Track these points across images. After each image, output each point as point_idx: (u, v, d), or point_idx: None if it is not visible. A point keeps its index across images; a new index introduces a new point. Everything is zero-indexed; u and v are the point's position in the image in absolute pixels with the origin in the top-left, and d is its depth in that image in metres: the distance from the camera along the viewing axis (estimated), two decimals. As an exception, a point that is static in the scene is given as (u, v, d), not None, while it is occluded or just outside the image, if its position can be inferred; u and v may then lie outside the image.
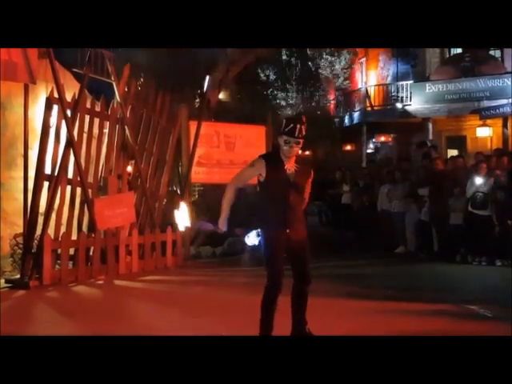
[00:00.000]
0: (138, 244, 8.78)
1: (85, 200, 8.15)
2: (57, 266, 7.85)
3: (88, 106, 8.31)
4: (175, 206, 9.78)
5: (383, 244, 10.98)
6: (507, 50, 17.49)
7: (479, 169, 9.63)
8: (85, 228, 8.33)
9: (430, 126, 18.48)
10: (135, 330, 5.09)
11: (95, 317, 5.91)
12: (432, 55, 19.37)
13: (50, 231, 7.69)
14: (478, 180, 9.44)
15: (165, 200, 9.99)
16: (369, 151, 20.99)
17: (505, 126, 17.18)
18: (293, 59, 20.44)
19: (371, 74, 21.81)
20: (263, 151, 10.13)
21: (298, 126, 4.24)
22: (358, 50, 21.71)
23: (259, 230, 4.43)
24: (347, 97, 21.53)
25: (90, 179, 8.32)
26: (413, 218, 10.55)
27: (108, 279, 8.11)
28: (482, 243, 9.35)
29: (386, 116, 19.30)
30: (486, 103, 16.95)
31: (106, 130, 8.60)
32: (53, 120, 7.83)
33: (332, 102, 21.91)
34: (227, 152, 10.73)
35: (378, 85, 20.62)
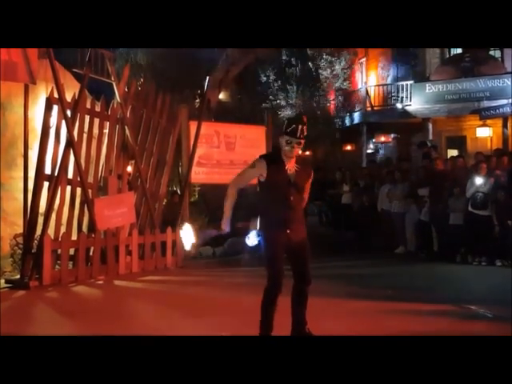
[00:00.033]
0: (138, 244, 8.79)
1: (85, 200, 8.15)
2: (57, 267, 7.85)
3: (88, 106, 8.31)
4: (176, 208, 9.82)
5: (383, 244, 10.99)
6: (507, 50, 17.47)
7: (479, 169, 9.63)
8: (85, 228, 8.33)
9: (430, 126, 18.47)
10: (135, 330, 5.09)
11: (95, 317, 5.91)
12: (432, 55, 19.35)
13: (50, 231, 7.70)
14: (478, 180, 9.44)
15: (165, 200, 10.00)
16: (369, 151, 20.98)
17: (505, 126, 17.16)
18: (293, 59, 20.42)
19: (371, 75, 21.81)
20: (263, 151, 10.13)
21: (300, 126, 4.25)
22: (358, 50, 21.70)
23: (259, 230, 4.43)
24: (347, 97, 21.50)
25: (90, 179, 8.32)
26: (413, 218, 10.55)
27: (108, 279, 8.11)
28: (482, 243, 9.35)
29: (386, 116, 19.27)
30: (485, 103, 16.93)
31: (106, 130, 8.61)
32: (53, 120, 7.84)
33: (332, 102, 21.89)
34: (227, 152, 10.74)
35: (378, 85, 20.61)
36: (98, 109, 8.50)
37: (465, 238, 9.57)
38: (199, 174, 10.40)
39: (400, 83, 19.08)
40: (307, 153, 17.66)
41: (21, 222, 7.72)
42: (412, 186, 10.78)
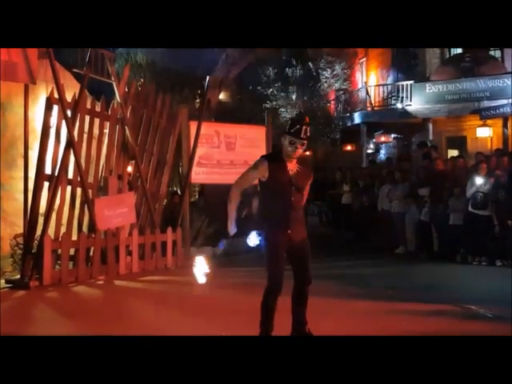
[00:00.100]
0: (139, 244, 8.78)
1: (85, 200, 8.15)
2: (57, 267, 7.85)
3: (88, 106, 8.31)
4: (176, 208, 9.83)
5: (383, 244, 10.99)
6: (507, 50, 17.47)
7: (479, 169, 9.63)
8: (85, 228, 8.33)
9: (431, 126, 18.47)
10: (135, 330, 5.09)
11: (95, 317, 5.92)
12: (432, 55, 19.36)
13: (51, 231, 7.70)
14: (479, 180, 9.43)
15: (165, 200, 10.00)
16: (369, 151, 20.99)
17: (505, 126, 17.16)
18: (293, 59, 20.43)
19: (371, 75, 21.81)
20: (263, 151, 10.14)
21: (304, 127, 4.25)
22: (358, 50, 21.70)
23: (260, 230, 4.42)
24: (347, 97, 21.52)
25: (91, 179, 8.32)
26: (413, 218, 10.54)
27: (108, 279, 8.11)
28: (482, 243, 9.35)
29: (386, 116, 19.27)
30: (486, 103, 16.94)
31: (107, 131, 8.61)
32: (53, 120, 7.84)
33: (332, 102, 21.90)
34: (227, 152, 10.73)
35: (378, 85, 20.61)
36: (98, 109, 8.50)
37: (465, 238, 9.57)
38: (199, 174, 10.40)
39: (400, 83, 19.07)
40: (307, 153, 17.66)
41: (21, 222, 7.72)
42: (412, 186, 10.77)
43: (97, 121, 8.43)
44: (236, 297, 6.69)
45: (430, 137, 17.86)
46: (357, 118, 20.30)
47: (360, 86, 21.71)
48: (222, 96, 15.18)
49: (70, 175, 8.01)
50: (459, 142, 18.57)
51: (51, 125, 7.81)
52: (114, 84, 8.58)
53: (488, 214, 9.31)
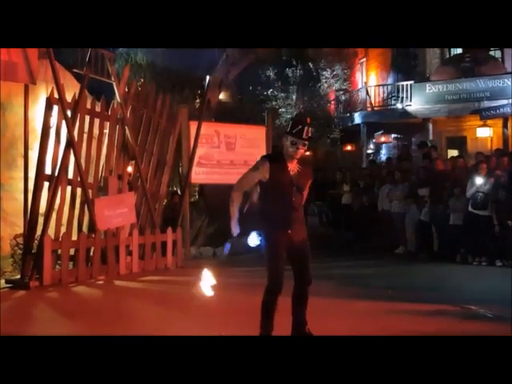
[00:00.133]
0: (139, 244, 8.78)
1: (85, 200, 8.15)
2: (57, 267, 7.85)
3: (88, 106, 8.31)
4: (176, 208, 9.83)
5: (383, 244, 10.99)
6: (507, 51, 17.48)
7: (479, 169, 9.63)
8: (85, 228, 8.33)
9: (431, 126, 18.47)
10: (135, 330, 5.09)
11: (95, 317, 5.92)
12: (432, 56, 19.36)
13: (51, 231, 7.70)
14: (479, 180, 9.43)
15: (165, 200, 10.00)
16: (369, 151, 20.99)
17: (505, 126, 17.16)
18: (293, 60, 20.43)
19: (371, 75, 21.81)
20: (263, 151, 10.14)
21: (306, 127, 4.24)
22: (358, 50, 21.70)
23: (260, 230, 4.42)
24: (347, 97, 21.52)
25: (91, 179, 8.32)
26: (413, 218, 10.54)
27: (108, 279, 8.11)
28: (482, 243, 9.35)
29: (387, 116, 19.27)
30: (486, 103, 16.94)
31: (107, 131, 8.61)
32: (53, 120, 7.84)
33: (332, 102, 21.90)
34: (227, 152, 10.74)
35: (378, 85, 20.61)
36: (98, 109, 8.50)
37: (465, 238, 9.57)
38: (199, 174, 10.40)
39: (400, 83, 19.08)
40: (307, 153, 17.66)
41: (21, 222, 7.72)
42: (412, 186, 10.78)
43: (97, 121, 8.43)
44: (236, 297, 6.69)
45: (430, 137, 17.86)
46: (357, 119, 20.31)
47: (360, 86, 21.71)
48: (222, 96, 15.17)
49: (70, 175, 8.01)
50: (459, 142, 18.57)
51: (51, 125, 7.81)
52: (114, 84, 8.58)
53: (488, 214, 9.31)
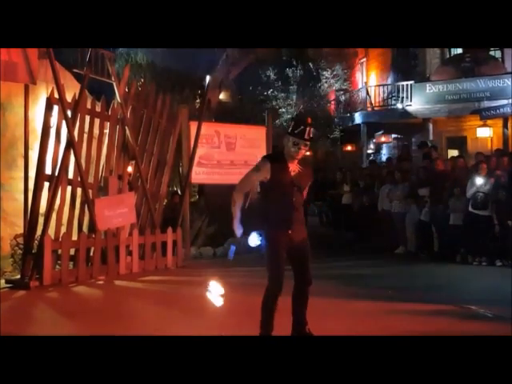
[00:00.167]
0: (139, 244, 8.78)
1: (85, 200, 8.15)
2: (57, 267, 7.85)
3: (88, 106, 8.31)
4: (176, 208, 9.83)
5: (383, 244, 10.99)
6: (507, 51, 17.48)
7: (479, 169, 9.63)
8: (85, 228, 8.33)
9: (431, 126, 18.48)
10: (135, 331, 5.09)
11: (95, 317, 5.92)
12: (432, 56, 19.36)
13: (51, 231, 7.70)
14: (479, 180, 9.43)
15: (165, 200, 10.00)
16: (369, 151, 20.99)
17: (505, 126, 17.16)
18: (293, 60, 20.44)
19: (371, 75, 21.81)
20: (263, 152, 10.15)
21: (308, 128, 4.24)
22: (358, 50, 21.71)
23: (261, 230, 4.42)
24: (347, 97, 21.53)
25: (91, 179, 8.32)
26: (413, 218, 10.54)
27: (108, 279, 8.11)
28: (482, 243, 9.35)
29: (387, 116, 19.28)
30: (486, 104, 16.94)
31: (107, 131, 8.61)
32: (53, 120, 7.83)
33: (332, 102, 21.91)
34: (228, 152, 10.74)
35: (379, 85, 20.61)
36: (98, 109, 8.50)
37: (465, 238, 9.57)
38: (200, 175, 10.41)
39: (400, 83, 19.07)
40: (307, 153, 17.67)
41: (21, 222, 7.72)
42: (412, 186, 10.78)
43: (97, 121, 8.43)
44: (236, 297, 6.68)
45: (430, 137, 17.86)
46: (357, 119, 20.31)
47: (360, 86, 21.72)
48: (222, 96, 15.18)
49: (71, 175, 8.01)
50: (459, 142, 18.57)
51: (51, 125, 7.81)
52: (114, 84, 8.58)
53: (488, 214, 9.31)
